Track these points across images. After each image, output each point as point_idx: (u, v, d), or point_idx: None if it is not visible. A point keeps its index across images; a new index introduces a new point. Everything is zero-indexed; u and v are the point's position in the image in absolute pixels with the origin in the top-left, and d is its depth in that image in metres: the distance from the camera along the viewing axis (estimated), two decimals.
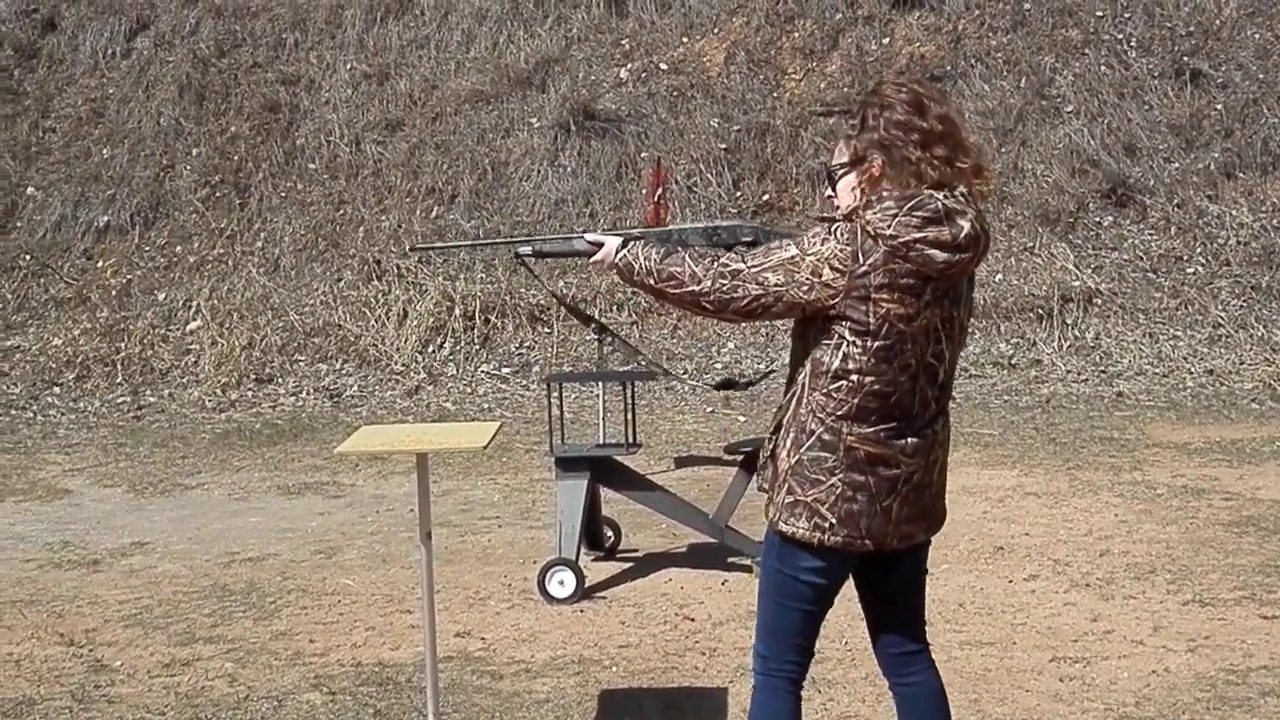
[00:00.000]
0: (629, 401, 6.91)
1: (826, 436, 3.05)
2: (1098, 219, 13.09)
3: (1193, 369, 11.56)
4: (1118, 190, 13.16)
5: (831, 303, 2.97)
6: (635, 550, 6.99)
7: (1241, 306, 12.27)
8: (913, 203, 2.97)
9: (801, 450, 3.08)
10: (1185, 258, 12.74)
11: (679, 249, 3.20)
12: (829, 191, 3.21)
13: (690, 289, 3.10)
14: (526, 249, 3.61)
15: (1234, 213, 13.00)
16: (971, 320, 3.24)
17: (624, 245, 3.26)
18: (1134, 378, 11.49)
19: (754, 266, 3.03)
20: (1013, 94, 13.89)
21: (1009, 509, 7.63)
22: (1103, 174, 13.24)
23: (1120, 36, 14.28)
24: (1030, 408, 10.81)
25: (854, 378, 3.00)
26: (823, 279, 2.97)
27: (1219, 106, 13.70)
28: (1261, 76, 13.88)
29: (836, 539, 3.08)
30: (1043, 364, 11.83)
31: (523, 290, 12.62)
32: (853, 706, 4.72)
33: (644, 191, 12.54)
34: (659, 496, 6.48)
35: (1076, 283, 12.45)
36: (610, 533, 6.93)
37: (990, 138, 13.56)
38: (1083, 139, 13.49)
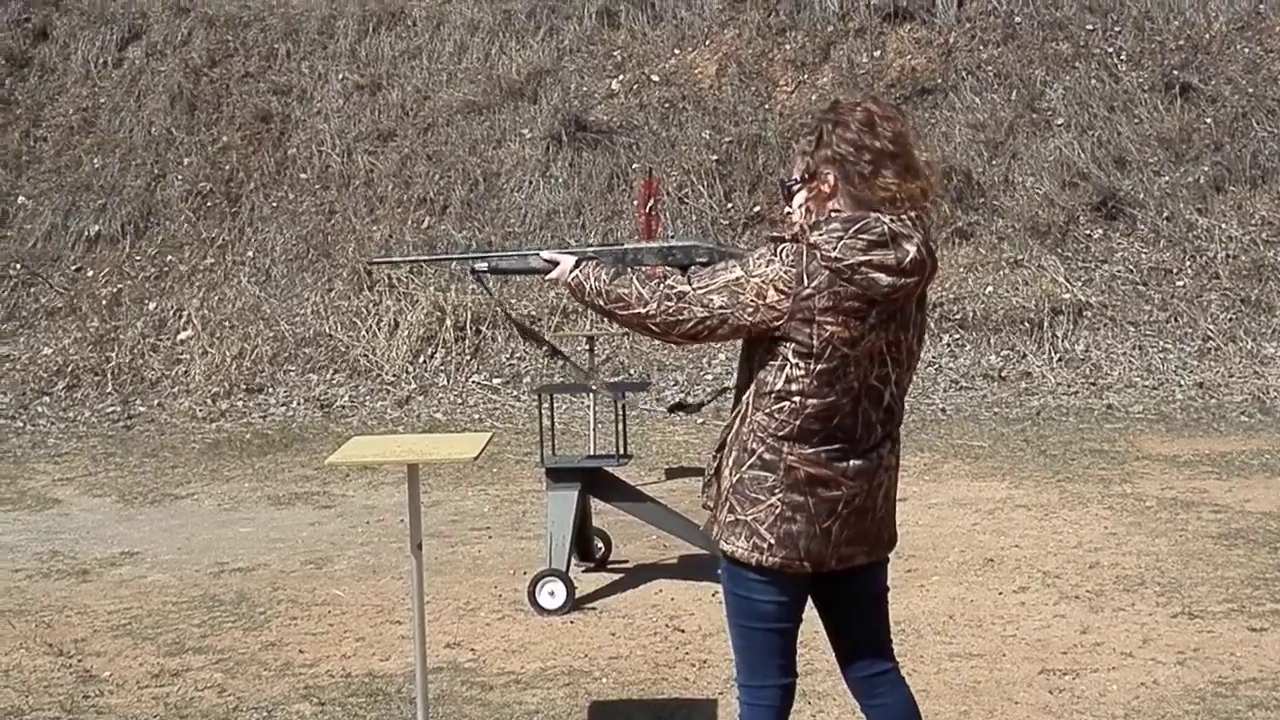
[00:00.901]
0: (620, 413, 6.91)
1: (767, 456, 3.05)
2: (1088, 231, 13.13)
3: (1182, 382, 11.60)
4: (1108, 203, 13.21)
5: (776, 325, 2.97)
6: (625, 561, 6.99)
7: (1230, 320, 12.31)
8: (859, 225, 2.98)
9: (743, 469, 3.08)
10: (1175, 271, 12.78)
11: (628, 270, 3.21)
12: (786, 208, 3.22)
13: (637, 311, 3.10)
14: (482, 265, 3.59)
15: (1223, 226, 13.04)
16: (924, 342, 3.24)
17: (577, 265, 3.26)
18: (1124, 390, 11.52)
19: (700, 288, 3.04)
20: (1003, 107, 13.93)
21: (999, 521, 7.64)
22: (1093, 187, 13.28)
23: (1110, 50, 14.34)
24: (1020, 420, 10.83)
25: (796, 399, 3.00)
26: (767, 301, 2.97)
27: (1208, 120, 13.76)
28: (1250, 90, 13.94)
29: (774, 559, 3.07)
30: (1033, 376, 11.85)
31: (514, 301, 12.63)
32: (843, 718, 4.73)
33: (635, 203, 12.56)
34: (649, 508, 6.48)
35: (1067, 295, 12.48)
36: (601, 544, 6.94)
37: (981, 150, 13.60)
38: (1073, 152, 13.53)
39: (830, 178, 3.06)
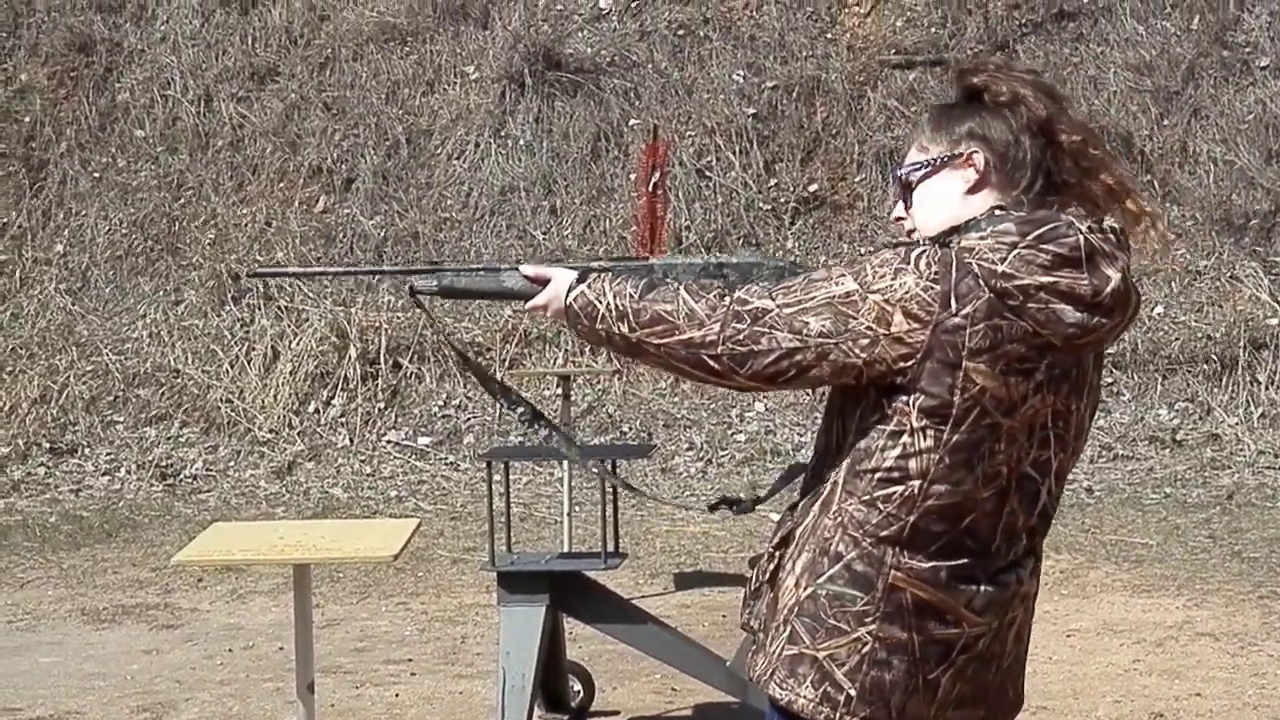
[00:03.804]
0: (607, 491, 6.91)
1: (860, 566, 3.02)
2: None
3: None
4: None
5: (902, 366, 2.94)
6: (615, 713, 6.98)
7: None
8: (1044, 230, 2.95)
9: (820, 581, 3.05)
10: None
11: (671, 282, 3.17)
12: (897, 209, 3.19)
13: (686, 336, 3.04)
14: (428, 282, 3.48)
15: None
16: (1095, 419, 3.23)
17: (582, 279, 3.19)
18: None
19: (787, 306, 2.99)
20: (1181, 40, 13.98)
21: (1172, 657, 7.64)
22: None
23: None
24: (1204, 505, 10.83)
25: (915, 484, 2.98)
26: (892, 330, 2.93)
27: None
28: None
29: (854, 719, 3.07)
30: (1222, 440, 11.85)
31: (450, 321, 12.64)
32: None
33: (634, 177, 12.58)
34: (651, 633, 6.47)
35: (1273, 320, 12.49)
36: (578, 686, 6.93)
37: (1146, 104, 13.64)
38: None
39: (977, 156, 3.06)
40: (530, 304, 3.28)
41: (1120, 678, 7.33)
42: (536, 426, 3.54)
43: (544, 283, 3.27)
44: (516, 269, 3.32)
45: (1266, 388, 12.22)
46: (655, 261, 3.39)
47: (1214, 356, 12.38)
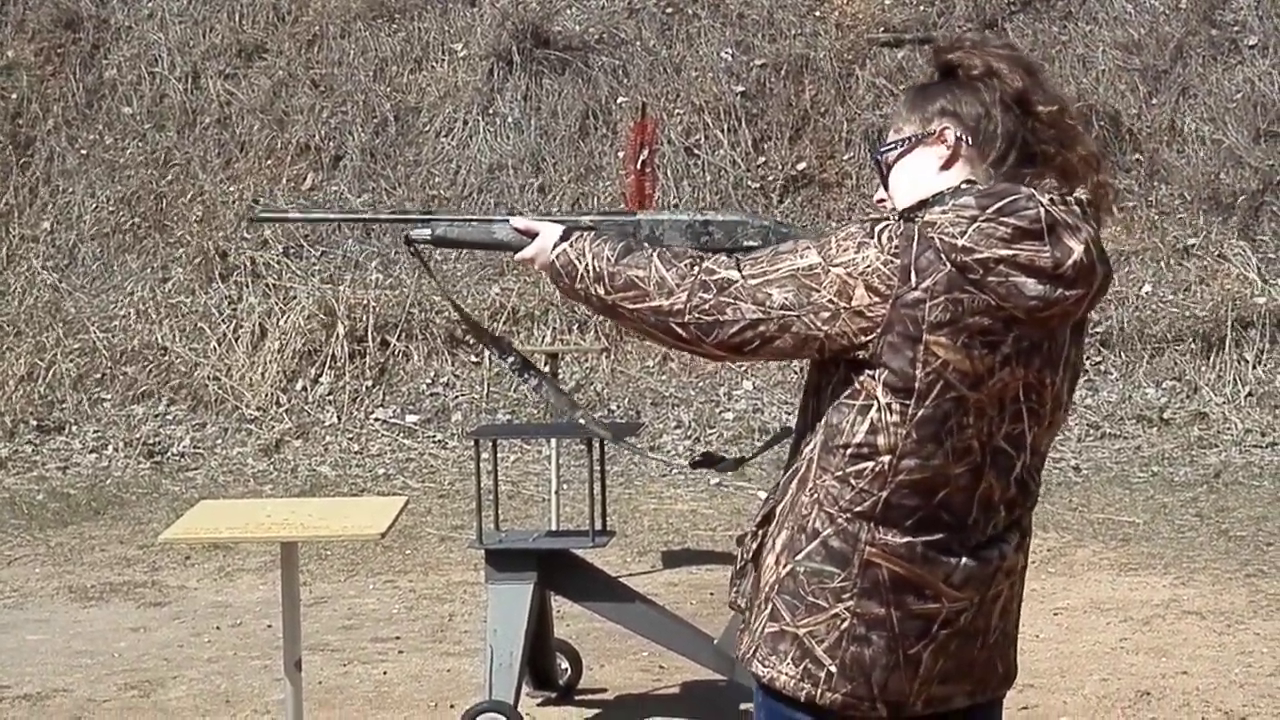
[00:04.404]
0: (595, 468, 6.91)
1: (836, 543, 3.03)
2: None
3: None
4: None
5: (863, 340, 2.96)
6: (602, 690, 6.99)
7: None
8: (1003, 203, 2.96)
9: (798, 558, 3.06)
10: None
11: (647, 246, 3.21)
12: (879, 192, 3.22)
13: (656, 303, 3.08)
14: (423, 231, 3.57)
15: None
16: (1075, 393, 3.23)
17: (566, 237, 3.25)
18: None
19: (753, 277, 3.02)
20: (1170, 18, 13.97)
21: (1158, 635, 7.65)
22: None
23: None
24: (1191, 484, 10.84)
25: (885, 459, 2.99)
26: (853, 304, 2.95)
27: None
28: None
29: (834, 695, 3.06)
30: (1209, 419, 11.86)
31: (438, 299, 12.63)
32: None
33: (621, 155, 12.57)
34: (638, 611, 6.47)
35: (1261, 299, 12.49)
36: (566, 664, 6.94)
37: (1134, 83, 13.64)
38: (1271, 86, 13.57)
39: (949, 132, 3.07)
40: (519, 255, 3.35)
41: (1107, 656, 7.34)
42: (526, 375, 3.60)
43: (533, 236, 3.33)
44: (508, 221, 3.39)
45: (1254, 366, 12.23)
46: (642, 217, 3.44)
47: (1201, 335, 12.39)
